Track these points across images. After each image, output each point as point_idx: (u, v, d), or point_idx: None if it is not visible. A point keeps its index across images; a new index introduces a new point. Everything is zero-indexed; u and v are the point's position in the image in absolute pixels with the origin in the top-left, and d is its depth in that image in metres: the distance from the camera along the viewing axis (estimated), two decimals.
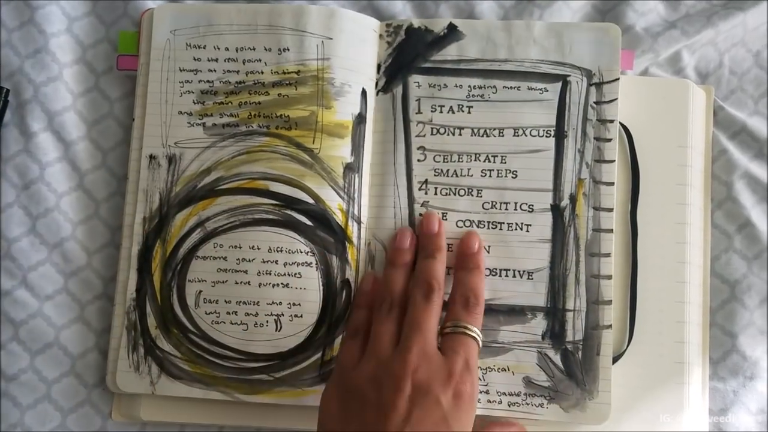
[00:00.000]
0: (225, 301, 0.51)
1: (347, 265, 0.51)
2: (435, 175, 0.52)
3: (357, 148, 0.52)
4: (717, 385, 0.54)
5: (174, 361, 0.51)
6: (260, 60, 0.53)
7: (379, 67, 0.54)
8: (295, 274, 0.51)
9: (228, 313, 0.51)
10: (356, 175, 0.52)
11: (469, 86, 0.53)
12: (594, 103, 0.52)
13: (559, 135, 0.52)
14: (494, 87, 0.53)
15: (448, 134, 0.52)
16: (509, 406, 0.50)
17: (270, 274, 0.51)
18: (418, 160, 0.52)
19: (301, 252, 0.51)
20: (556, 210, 0.51)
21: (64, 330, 0.54)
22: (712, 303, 0.55)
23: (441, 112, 0.53)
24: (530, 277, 0.51)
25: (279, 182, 0.52)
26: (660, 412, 0.51)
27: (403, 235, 0.51)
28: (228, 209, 0.52)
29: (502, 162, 0.52)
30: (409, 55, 0.53)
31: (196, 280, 0.52)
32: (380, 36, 0.54)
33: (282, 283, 0.51)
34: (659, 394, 0.52)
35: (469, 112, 0.52)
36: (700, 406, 0.53)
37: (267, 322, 0.51)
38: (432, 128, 0.53)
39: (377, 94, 0.53)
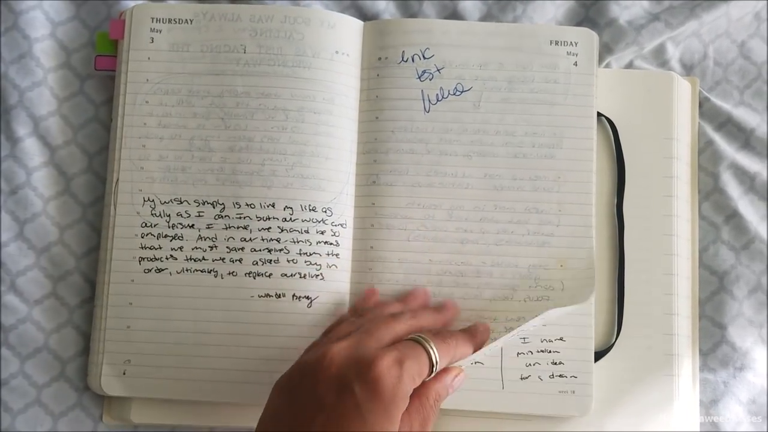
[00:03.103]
0: None
1: None
2: None
3: None
4: (707, 377, 0.54)
5: None
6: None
7: None
8: None
9: None
10: None
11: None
12: None
13: None
14: None
15: None
16: None
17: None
18: None
19: None
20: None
21: (54, 334, 0.54)
22: (701, 294, 0.55)
23: None
24: None
25: None
26: (650, 404, 0.51)
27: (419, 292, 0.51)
28: None
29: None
30: None
31: None
32: None
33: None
34: (649, 387, 0.51)
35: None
36: (690, 397, 0.53)
37: None
38: None
39: None
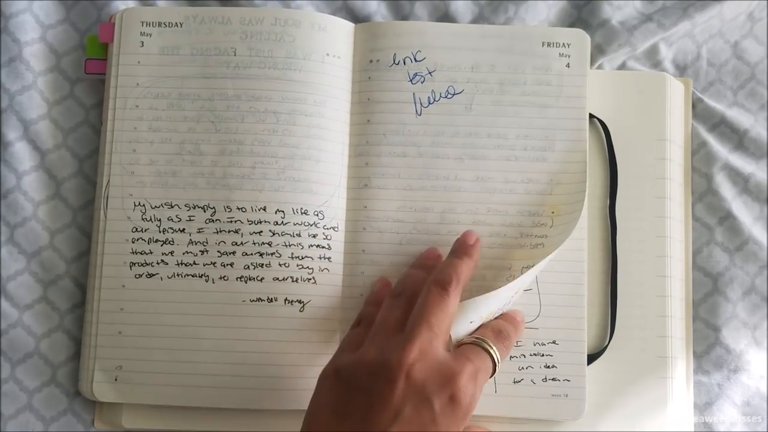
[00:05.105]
0: None
1: None
2: None
3: None
4: (701, 379, 0.54)
5: None
6: None
7: None
8: None
9: None
10: None
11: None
12: None
13: None
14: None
15: None
16: None
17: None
18: None
19: None
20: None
21: (44, 339, 0.54)
22: (695, 296, 0.55)
23: None
24: None
25: None
26: (644, 407, 0.51)
27: (431, 249, 0.51)
28: None
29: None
30: None
31: None
32: None
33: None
34: (642, 390, 0.51)
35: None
36: (684, 400, 0.52)
37: None
38: None
39: None
